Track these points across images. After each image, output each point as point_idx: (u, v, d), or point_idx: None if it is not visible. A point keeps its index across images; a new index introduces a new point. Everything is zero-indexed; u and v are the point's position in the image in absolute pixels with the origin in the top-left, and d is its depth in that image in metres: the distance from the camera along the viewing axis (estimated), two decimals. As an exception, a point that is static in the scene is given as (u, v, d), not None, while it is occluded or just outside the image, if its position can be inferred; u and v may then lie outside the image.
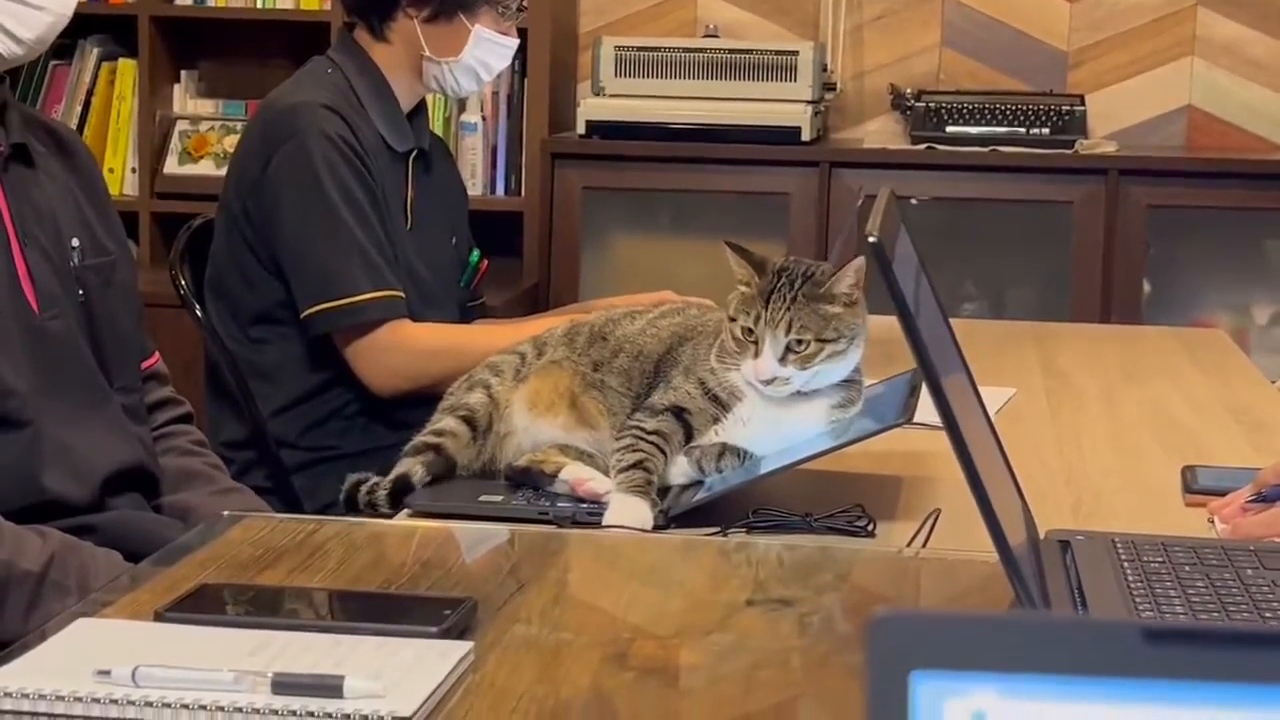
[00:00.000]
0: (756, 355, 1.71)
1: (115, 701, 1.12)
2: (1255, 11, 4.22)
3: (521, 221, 4.08)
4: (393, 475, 1.80)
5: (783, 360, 1.70)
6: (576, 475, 1.74)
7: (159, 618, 1.29)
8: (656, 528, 1.66)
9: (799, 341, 1.70)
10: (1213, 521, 1.71)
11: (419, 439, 1.85)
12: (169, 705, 1.12)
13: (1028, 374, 2.52)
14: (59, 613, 1.42)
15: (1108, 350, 2.79)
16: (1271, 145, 4.22)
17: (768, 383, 1.71)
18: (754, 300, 1.72)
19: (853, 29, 4.31)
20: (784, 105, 4.00)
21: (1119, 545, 1.48)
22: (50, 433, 1.82)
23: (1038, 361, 2.64)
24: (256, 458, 2.57)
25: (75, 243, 1.92)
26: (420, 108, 2.72)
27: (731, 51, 4.07)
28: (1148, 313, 3.94)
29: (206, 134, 4.23)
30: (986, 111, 4.10)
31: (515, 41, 2.70)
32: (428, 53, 2.62)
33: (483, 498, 1.75)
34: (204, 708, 1.11)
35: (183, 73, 4.28)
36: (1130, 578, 1.40)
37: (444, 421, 1.86)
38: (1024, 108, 4.09)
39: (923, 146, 4.06)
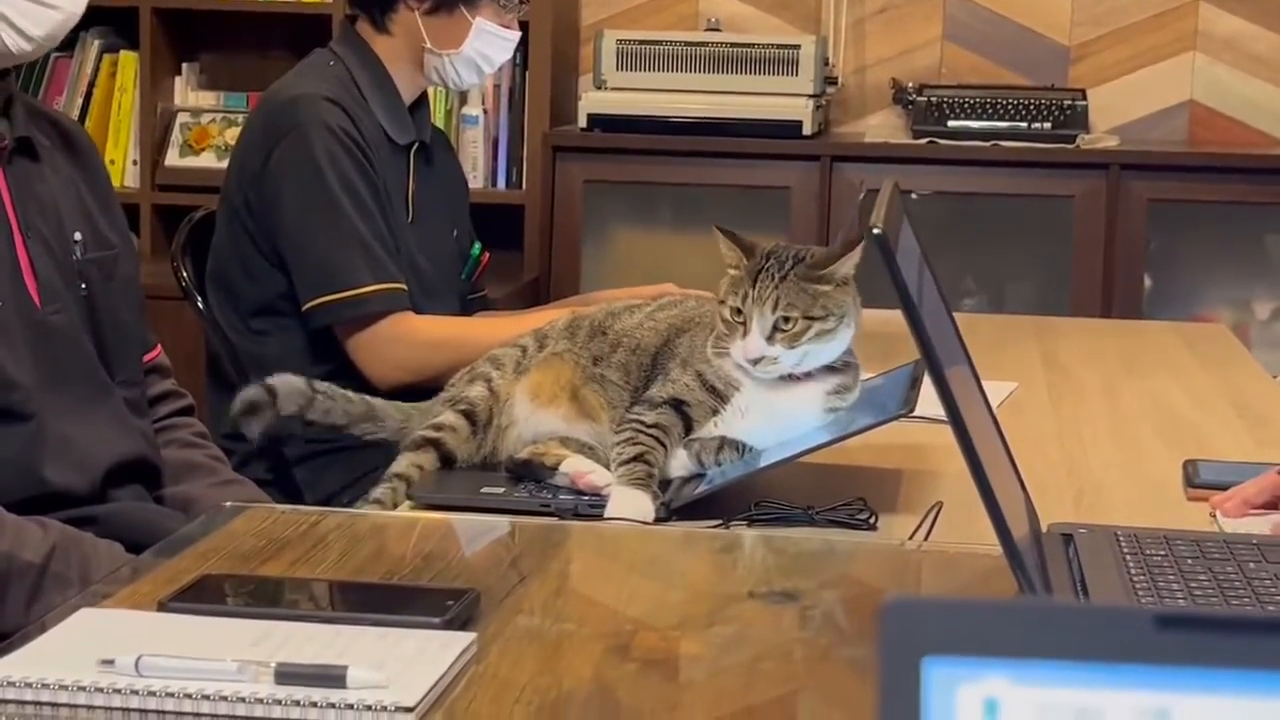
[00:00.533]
0: (745, 335, 1.71)
1: (119, 691, 1.12)
2: (1257, 6, 4.21)
3: (523, 214, 4.08)
4: (393, 471, 1.81)
5: (770, 339, 1.70)
6: (576, 468, 1.74)
7: (162, 608, 1.29)
8: (657, 520, 1.66)
9: (786, 319, 1.69)
10: (1214, 516, 1.70)
11: (418, 433, 1.86)
12: (172, 694, 1.12)
13: (1029, 368, 2.52)
14: (60, 604, 1.42)
15: (1109, 345, 2.79)
16: (1273, 140, 4.21)
17: (755, 362, 1.70)
18: (742, 282, 1.72)
19: (854, 23, 4.31)
20: (785, 99, 4.00)
21: (1121, 538, 1.48)
22: (52, 426, 1.82)
23: (1039, 356, 2.64)
24: (257, 450, 2.57)
25: (78, 236, 1.92)
26: (422, 100, 2.72)
27: (733, 45, 4.06)
28: (1149, 308, 3.94)
29: (208, 126, 4.22)
30: (988, 106, 4.09)
31: (516, 35, 2.70)
32: (428, 45, 2.62)
33: (484, 490, 1.75)
34: (207, 697, 1.11)
35: (184, 65, 4.28)
36: (1133, 570, 1.40)
37: (444, 415, 1.86)
38: (1025, 102, 4.09)
39: (924, 141, 4.05)
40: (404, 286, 2.48)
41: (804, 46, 4.03)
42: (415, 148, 2.65)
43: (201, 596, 1.31)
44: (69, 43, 4.17)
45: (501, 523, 1.65)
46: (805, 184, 3.97)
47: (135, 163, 4.20)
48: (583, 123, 4.03)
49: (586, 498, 1.70)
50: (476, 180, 4.01)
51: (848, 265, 1.71)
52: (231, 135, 4.06)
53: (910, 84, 4.21)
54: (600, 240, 4.16)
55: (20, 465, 1.80)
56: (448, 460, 1.83)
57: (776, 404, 1.74)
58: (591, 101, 4.04)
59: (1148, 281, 3.99)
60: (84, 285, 1.91)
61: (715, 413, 1.75)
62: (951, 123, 4.09)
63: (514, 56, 3.08)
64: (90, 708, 1.12)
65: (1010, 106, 4.09)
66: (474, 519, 1.67)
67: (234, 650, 1.16)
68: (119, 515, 1.88)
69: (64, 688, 1.13)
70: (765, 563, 1.56)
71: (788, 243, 1.77)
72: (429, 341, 2.46)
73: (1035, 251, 4.11)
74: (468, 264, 2.80)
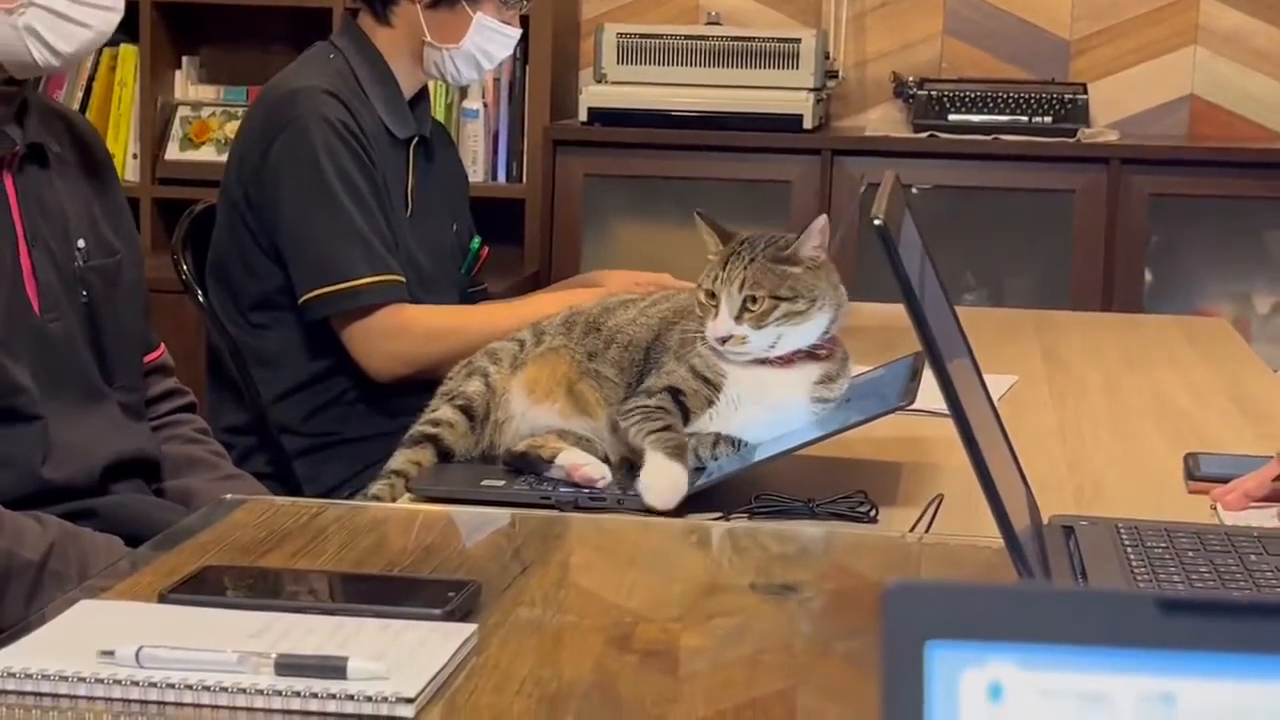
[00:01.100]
0: (715, 316, 1.72)
1: (119, 682, 1.12)
2: (1258, 1, 4.21)
3: (523, 208, 4.08)
4: (390, 467, 1.81)
5: (739, 319, 1.71)
6: (572, 461, 1.74)
7: (162, 599, 1.29)
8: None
9: (753, 299, 1.71)
10: (1215, 508, 1.70)
11: (416, 428, 1.86)
12: (173, 685, 1.12)
13: (1029, 362, 2.52)
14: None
15: (1109, 338, 2.79)
16: (1273, 134, 4.21)
17: (723, 341, 1.71)
18: (716, 265, 1.75)
19: (855, 16, 4.31)
20: (786, 93, 4.00)
21: (1122, 530, 1.48)
22: (53, 427, 1.83)
23: (1039, 349, 2.64)
24: (257, 443, 2.57)
25: (81, 244, 1.92)
26: (422, 94, 2.72)
27: (733, 39, 4.06)
28: (1149, 302, 3.94)
29: (208, 120, 4.22)
30: (989, 100, 4.09)
31: (517, 31, 2.70)
32: (429, 38, 2.62)
33: (484, 483, 1.75)
34: (208, 688, 1.11)
35: (184, 59, 4.28)
36: (1134, 562, 1.40)
37: (441, 410, 1.86)
38: (1026, 96, 4.09)
39: (925, 134, 4.05)
40: (401, 279, 2.48)
41: (804, 40, 4.03)
42: (415, 142, 2.65)
43: (202, 588, 1.31)
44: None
45: (502, 515, 1.65)
46: (806, 178, 3.97)
47: (135, 156, 4.19)
48: (583, 116, 4.03)
49: (588, 491, 1.70)
50: (477, 174, 4.01)
51: (808, 243, 1.73)
52: (232, 129, 4.06)
53: (911, 78, 4.21)
54: (601, 234, 4.16)
55: (22, 464, 1.80)
56: (445, 455, 1.83)
57: (764, 394, 1.74)
58: (592, 95, 4.04)
59: (1148, 275, 3.99)
60: (85, 292, 1.91)
61: (710, 403, 1.75)
62: (952, 117, 4.08)
63: (514, 50, 3.07)
64: (90, 699, 1.12)
65: (1011, 100, 4.09)
66: (474, 511, 1.67)
67: (234, 641, 1.16)
68: (119, 508, 1.88)
69: (64, 679, 1.12)
70: (766, 555, 1.56)
71: (767, 231, 1.79)
72: (426, 333, 2.46)
73: (1036, 246, 4.11)
74: (467, 258, 2.79)
